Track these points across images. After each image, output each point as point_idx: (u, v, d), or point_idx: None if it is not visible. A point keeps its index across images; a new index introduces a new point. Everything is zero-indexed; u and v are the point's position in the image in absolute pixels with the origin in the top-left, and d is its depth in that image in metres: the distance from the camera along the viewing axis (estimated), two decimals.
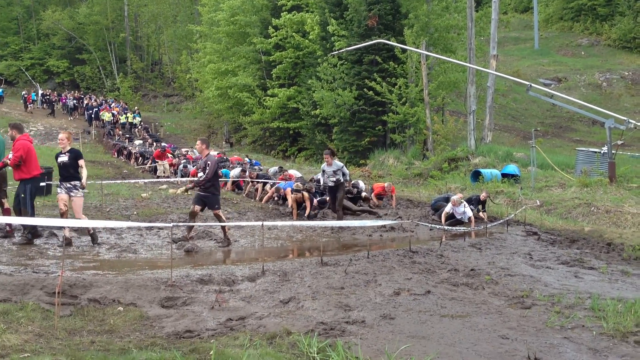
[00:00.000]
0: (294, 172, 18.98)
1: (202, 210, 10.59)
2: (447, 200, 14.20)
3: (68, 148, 9.57)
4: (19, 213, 9.40)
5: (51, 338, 5.10)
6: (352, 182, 17.25)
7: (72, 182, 9.48)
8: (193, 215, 10.42)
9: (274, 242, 10.89)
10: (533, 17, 52.81)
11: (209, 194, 10.33)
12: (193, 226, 10.54)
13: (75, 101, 44.42)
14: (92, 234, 9.85)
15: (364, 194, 16.10)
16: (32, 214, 9.53)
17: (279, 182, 16.35)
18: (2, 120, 39.11)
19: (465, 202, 13.66)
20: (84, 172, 9.58)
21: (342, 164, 11.88)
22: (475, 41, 24.26)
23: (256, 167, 21.28)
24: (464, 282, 7.64)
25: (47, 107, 45.43)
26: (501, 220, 13.44)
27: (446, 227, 12.29)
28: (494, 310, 6.39)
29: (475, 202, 14.33)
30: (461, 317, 6.08)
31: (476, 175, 19.17)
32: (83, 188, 9.54)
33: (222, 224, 10.27)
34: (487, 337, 5.46)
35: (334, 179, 11.66)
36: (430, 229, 12.76)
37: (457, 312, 6.26)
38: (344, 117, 26.43)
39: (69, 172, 9.48)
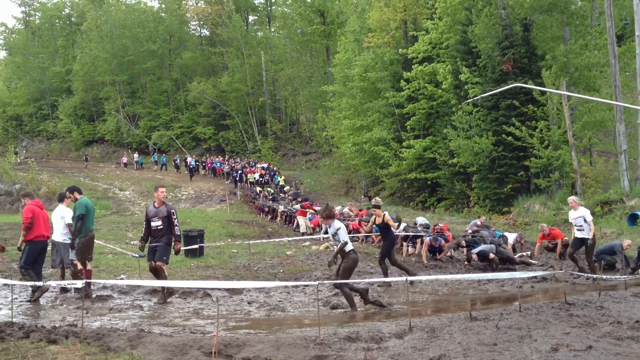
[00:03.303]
0: (421, 220, 18.74)
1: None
2: (612, 252, 13.46)
3: None
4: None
5: None
6: (503, 237, 16.42)
7: None
8: (154, 271, 9.82)
9: (419, 297, 10.70)
10: None
11: (161, 244, 9.71)
12: (166, 285, 9.44)
13: (228, 166, 46.64)
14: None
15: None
16: (28, 275, 9.53)
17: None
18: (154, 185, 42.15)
19: None
20: None
21: (340, 225, 9.21)
22: (620, 77, 23.02)
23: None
24: (629, 335, 7.04)
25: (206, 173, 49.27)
26: None
27: (604, 277, 11.52)
28: None
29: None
30: None
31: (633, 219, 17.89)
32: None
33: (162, 282, 9.23)
34: None
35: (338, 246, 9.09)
36: (587, 279, 12.00)
37: None
38: (482, 164, 25.87)
39: None
